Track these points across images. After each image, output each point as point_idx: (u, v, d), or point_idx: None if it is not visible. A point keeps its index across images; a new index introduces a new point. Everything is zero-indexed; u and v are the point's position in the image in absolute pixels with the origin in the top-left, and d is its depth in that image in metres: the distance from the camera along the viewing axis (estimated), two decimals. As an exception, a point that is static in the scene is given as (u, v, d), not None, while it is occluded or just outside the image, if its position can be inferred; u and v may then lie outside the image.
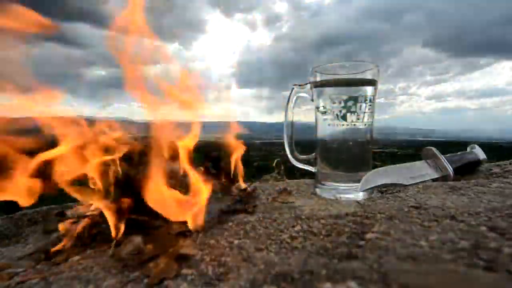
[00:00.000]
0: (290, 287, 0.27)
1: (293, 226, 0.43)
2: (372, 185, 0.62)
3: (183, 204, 0.46)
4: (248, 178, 0.74)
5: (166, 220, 0.46)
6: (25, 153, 0.46)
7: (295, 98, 0.71)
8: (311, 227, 0.43)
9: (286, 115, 0.71)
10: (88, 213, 0.50)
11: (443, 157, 0.75)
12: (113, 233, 0.43)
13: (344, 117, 0.62)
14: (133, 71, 0.52)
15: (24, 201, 0.45)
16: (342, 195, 0.62)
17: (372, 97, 0.63)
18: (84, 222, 0.48)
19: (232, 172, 0.68)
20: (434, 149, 0.76)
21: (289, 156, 0.72)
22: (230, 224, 0.47)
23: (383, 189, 0.67)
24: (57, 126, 0.50)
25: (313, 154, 0.70)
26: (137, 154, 0.52)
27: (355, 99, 0.61)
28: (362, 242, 0.36)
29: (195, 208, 0.45)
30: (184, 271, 0.33)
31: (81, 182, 0.49)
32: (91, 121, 0.55)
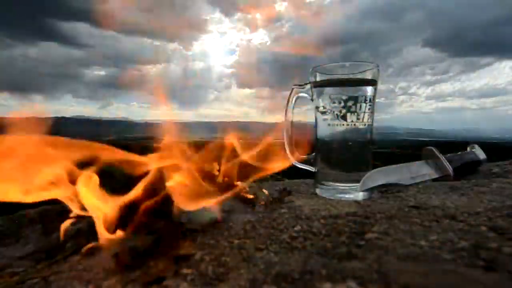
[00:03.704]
0: (290, 287, 0.27)
1: (293, 226, 0.43)
2: (372, 185, 0.62)
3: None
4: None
5: (166, 220, 0.46)
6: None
7: (295, 98, 0.71)
8: (311, 227, 0.43)
9: (286, 115, 0.71)
10: (88, 213, 0.50)
11: (443, 157, 0.75)
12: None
13: (344, 117, 0.62)
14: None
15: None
16: (342, 195, 0.62)
17: (372, 97, 0.63)
18: (84, 222, 0.48)
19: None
20: (434, 149, 0.76)
21: (289, 156, 0.72)
22: (230, 224, 0.47)
23: (383, 189, 0.67)
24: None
25: (313, 154, 0.70)
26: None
27: (355, 99, 0.61)
28: (362, 242, 0.36)
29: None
30: (184, 271, 0.33)
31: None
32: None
